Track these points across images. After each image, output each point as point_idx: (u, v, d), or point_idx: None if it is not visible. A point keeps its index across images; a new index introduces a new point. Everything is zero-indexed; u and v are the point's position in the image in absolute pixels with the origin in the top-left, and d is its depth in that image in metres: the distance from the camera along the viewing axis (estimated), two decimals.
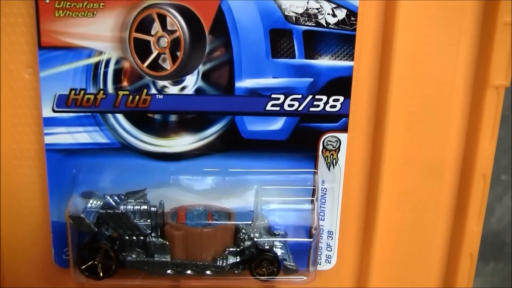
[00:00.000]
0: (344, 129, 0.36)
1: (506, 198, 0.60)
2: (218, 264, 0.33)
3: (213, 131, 0.36)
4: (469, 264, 0.40)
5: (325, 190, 0.37)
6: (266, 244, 0.34)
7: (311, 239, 0.35)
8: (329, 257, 0.39)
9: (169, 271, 0.33)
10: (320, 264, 0.39)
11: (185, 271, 0.33)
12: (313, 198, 0.36)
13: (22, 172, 0.38)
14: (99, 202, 0.34)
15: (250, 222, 0.34)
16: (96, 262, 0.33)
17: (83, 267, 0.33)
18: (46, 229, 0.38)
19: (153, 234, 0.34)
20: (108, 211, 0.33)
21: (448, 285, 0.40)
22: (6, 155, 0.37)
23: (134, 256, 0.33)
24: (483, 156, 0.38)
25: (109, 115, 0.35)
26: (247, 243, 0.34)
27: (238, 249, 0.34)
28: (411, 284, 0.40)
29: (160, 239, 0.33)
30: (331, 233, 0.38)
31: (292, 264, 0.34)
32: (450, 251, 0.40)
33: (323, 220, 0.38)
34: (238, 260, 0.34)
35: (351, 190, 0.38)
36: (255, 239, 0.34)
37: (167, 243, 0.33)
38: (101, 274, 0.33)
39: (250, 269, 0.34)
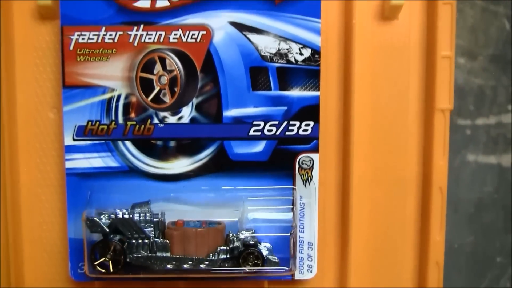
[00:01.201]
0: (315, 150, 0.45)
1: (503, 280, 0.65)
2: (211, 258, 0.41)
3: (205, 154, 0.45)
4: (437, 272, 0.47)
5: (303, 204, 0.45)
6: (251, 240, 0.41)
7: (289, 233, 0.43)
8: (310, 266, 0.46)
9: (169, 266, 0.41)
10: (302, 274, 0.46)
11: (183, 265, 0.41)
12: (292, 207, 0.44)
13: (44, 199, 0.46)
14: (110, 214, 0.43)
15: (237, 219, 0.42)
16: (107, 259, 0.41)
17: (96, 263, 0.41)
18: (63, 246, 0.46)
19: (155, 237, 0.42)
20: (118, 217, 0.41)
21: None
22: (30, 184, 0.46)
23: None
24: (438, 171, 0.46)
25: (119, 142, 0.44)
26: (236, 243, 0.42)
27: (228, 248, 0.42)
28: (386, 285, 0.47)
29: (161, 238, 0.41)
30: (311, 244, 0.46)
31: (274, 257, 0.42)
32: (420, 260, 0.47)
33: (303, 232, 0.45)
34: (228, 256, 0.41)
35: (326, 204, 0.46)
36: (241, 235, 0.41)
37: (168, 241, 0.41)
38: (111, 269, 0.41)
39: (238, 262, 0.41)
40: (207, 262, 0.41)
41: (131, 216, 0.41)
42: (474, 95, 0.62)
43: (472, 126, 0.62)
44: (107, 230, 0.41)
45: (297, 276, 0.45)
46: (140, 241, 0.41)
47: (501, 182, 0.63)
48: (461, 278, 0.65)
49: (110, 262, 0.41)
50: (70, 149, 0.44)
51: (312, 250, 0.46)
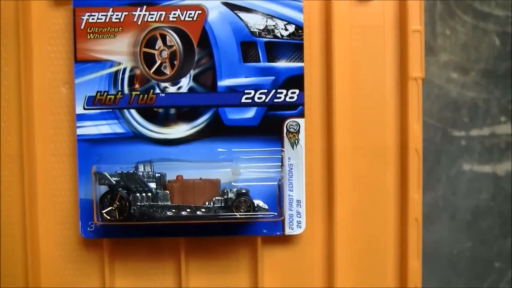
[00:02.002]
0: (301, 115, 0.51)
1: (502, 284, 0.69)
2: (207, 206, 0.47)
3: (202, 120, 0.50)
4: (416, 227, 0.52)
5: (291, 165, 0.51)
6: (243, 189, 0.47)
7: (278, 182, 0.49)
8: (299, 222, 0.51)
9: (169, 213, 0.46)
10: (292, 230, 0.51)
11: (182, 212, 0.46)
12: (280, 164, 0.50)
13: (57, 166, 0.52)
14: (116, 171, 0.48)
15: (230, 169, 0.48)
16: (113, 208, 0.46)
17: (104, 211, 0.46)
18: (75, 208, 0.52)
19: (157, 189, 0.47)
20: (123, 171, 0.47)
21: (402, 243, 0.52)
22: (45, 154, 0.52)
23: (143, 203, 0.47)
24: (413, 134, 0.51)
25: (125, 111, 0.50)
26: (230, 195, 0.47)
27: (222, 198, 0.47)
28: (370, 241, 0.52)
29: (162, 190, 0.47)
30: (299, 201, 0.51)
31: (264, 204, 0.47)
32: (401, 216, 0.52)
33: (292, 191, 0.51)
34: (222, 205, 0.47)
35: (313, 165, 0.52)
36: (233, 184, 0.47)
37: (168, 192, 0.47)
38: (118, 217, 0.46)
39: (231, 211, 0.47)
40: (203, 210, 0.47)
41: (135, 171, 0.47)
42: (468, 107, 0.68)
43: (467, 137, 0.68)
44: (114, 182, 0.46)
45: (288, 231, 0.51)
46: (143, 194, 0.47)
47: (497, 190, 0.68)
48: (461, 283, 0.69)
49: (116, 211, 0.46)
50: (81, 117, 0.50)
51: (300, 207, 0.51)
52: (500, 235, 0.68)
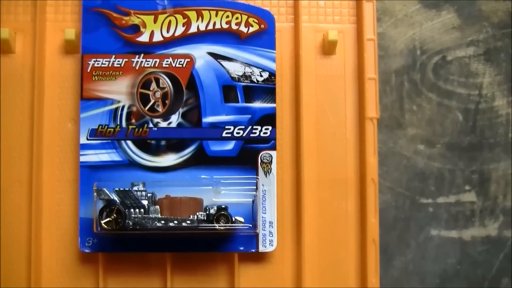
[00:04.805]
0: (273, 148, 0.61)
1: None
2: (192, 219, 0.57)
3: (188, 151, 0.61)
4: (374, 248, 0.61)
5: (264, 191, 0.61)
6: (223, 205, 0.57)
7: (252, 199, 0.59)
8: (272, 241, 0.60)
9: (158, 224, 0.56)
10: (265, 247, 0.60)
11: (170, 223, 0.56)
12: (255, 187, 0.60)
13: (61, 190, 0.62)
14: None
15: (212, 188, 0.58)
16: (111, 219, 0.56)
17: (103, 222, 0.56)
18: (75, 228, 0.61)
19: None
20: (120, 188, 0.57)
21: (362, 261, 0.61)
22: (51, 180, 0.62)
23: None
24: (370, 166, 0.62)
25: (122, 142, 0.60)
26: (212, 211, 0.57)
27: (205, 213, 0.57)
28: (334, 260, 0.62)
29: (153, 205, 0.57)
30: (271, 223, 0.60)
31: (241, 218, 0.57)
32: (360, 238, 0.62)
33: (265, 213, 0.60)
34: (205, 219, 0.57)
35: (283, 191, 0.62)
36: (215, 201, 0.57)
37: (158, 207, 0.57)
38: (114, 227, 0.56)
39: (212, 223, 0.57)
40: (188, 222, 0.56)
41: (130, 189, 0.57)
42: (434, 177, 0.75)
43: (434, 204, 0.75)
44: (112, 197, 0.56)
45: (261, 249, 0.60)
46: (137, 209, 0.57)
47: (463, 254, 0.75)
48: None
49: (113, 222, 0.56)
50: (84, 146, 0.60)
51: (272, 227, 0.60)
52: None
